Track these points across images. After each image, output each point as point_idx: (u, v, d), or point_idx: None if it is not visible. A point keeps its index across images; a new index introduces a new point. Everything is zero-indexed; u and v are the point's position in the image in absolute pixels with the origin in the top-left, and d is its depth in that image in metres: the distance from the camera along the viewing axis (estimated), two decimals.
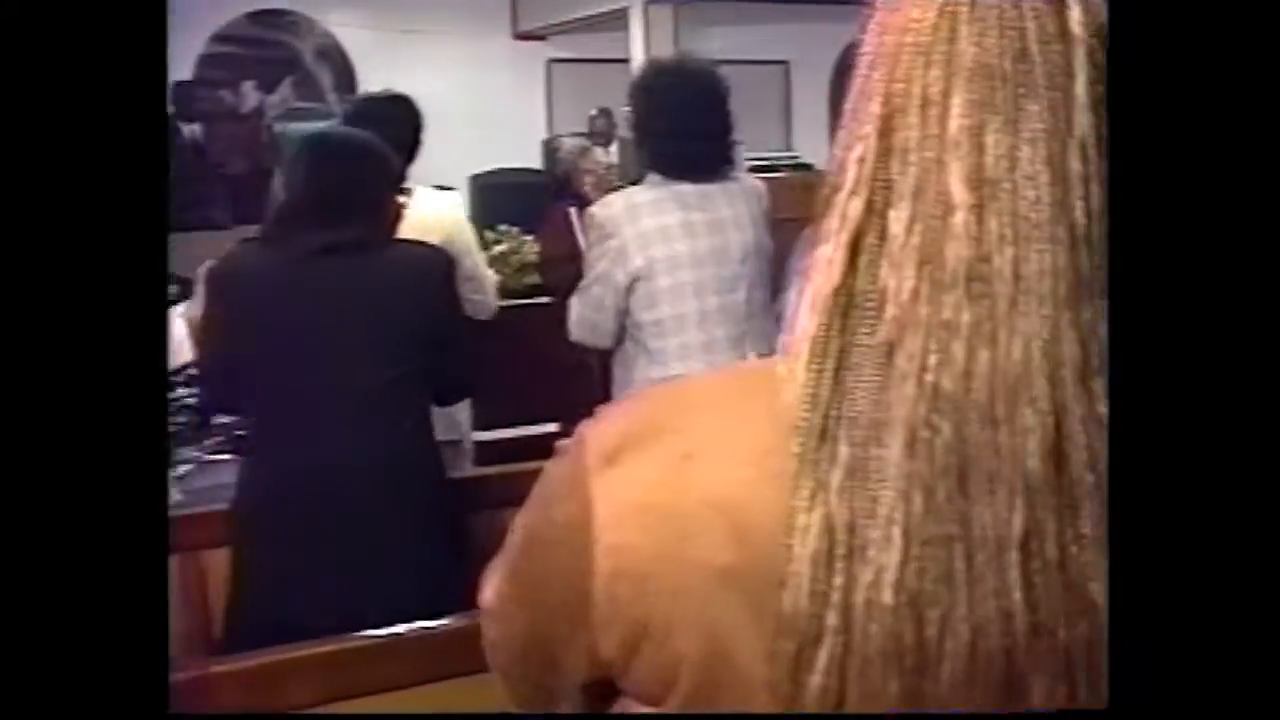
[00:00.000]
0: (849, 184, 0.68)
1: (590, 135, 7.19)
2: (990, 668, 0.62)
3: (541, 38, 9.41)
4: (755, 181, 3.10)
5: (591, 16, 8.38)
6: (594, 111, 7.95)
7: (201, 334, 2.74)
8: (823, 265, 0.67)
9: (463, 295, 3.34)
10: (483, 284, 3.63)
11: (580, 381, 4.58)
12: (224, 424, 3.27)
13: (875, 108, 0.68)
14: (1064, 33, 0.65)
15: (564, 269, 5.04)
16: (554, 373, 4.82)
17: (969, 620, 0.62)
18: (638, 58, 7.05)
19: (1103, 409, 0.62)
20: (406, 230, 2.96)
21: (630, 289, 2.81)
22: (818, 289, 0.67)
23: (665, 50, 6.74)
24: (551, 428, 4.97)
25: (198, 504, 2.87)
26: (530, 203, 6.23)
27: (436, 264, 2.56)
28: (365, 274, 2.44)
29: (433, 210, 3.44)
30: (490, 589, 0.82)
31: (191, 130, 8.08)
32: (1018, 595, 0.61)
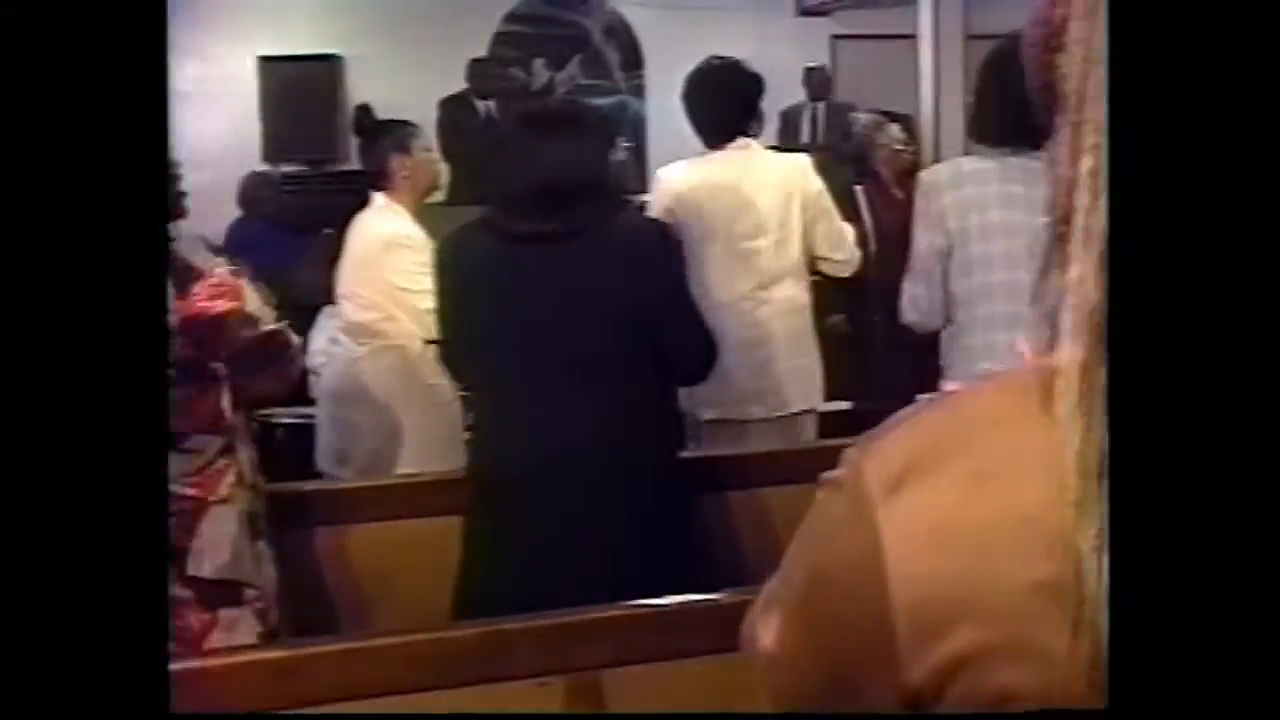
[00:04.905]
0: (1086, 200, 0.63)
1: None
2: None
3: (825, 13, 9.35)
4: None
5: None
6: None
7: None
8: (1075, 286, 0.63)
9: (822, 255, 3.56)
10: (840, 242, 3.66)
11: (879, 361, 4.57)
12: None
13: (1101, 113, 0.62)
14: None
15: None
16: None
17: None
18: (926, 34, 6.92)
19: None
20: (757, 190, 3.19)
21: (947, 255, 2.81)
22: (1078, 311, 0.63)
23: (955, 25, 6.62)
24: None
25: None
26: None
27: (649, 242, 2.55)
28: (572, 258, 2.44)
29: (785, 169, 3.57)
30: (770, 635, 0.76)
31: (486, 106, 8.38)
32: None
